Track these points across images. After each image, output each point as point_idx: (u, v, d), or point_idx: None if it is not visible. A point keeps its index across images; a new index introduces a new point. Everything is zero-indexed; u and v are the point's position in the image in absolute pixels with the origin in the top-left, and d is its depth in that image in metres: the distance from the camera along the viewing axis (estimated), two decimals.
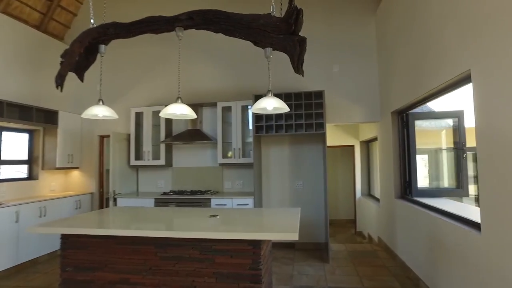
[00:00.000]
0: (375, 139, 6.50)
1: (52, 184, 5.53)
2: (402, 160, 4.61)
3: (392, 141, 4.69)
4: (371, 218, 6.26)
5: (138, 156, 5.44)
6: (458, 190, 4.44)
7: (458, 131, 4.42)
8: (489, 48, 2.23)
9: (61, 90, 3.10)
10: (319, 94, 4.67)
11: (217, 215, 3.03)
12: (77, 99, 6.00)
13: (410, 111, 4.44)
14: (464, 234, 2.67)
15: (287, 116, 4.78)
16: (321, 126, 4.67)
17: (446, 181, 4.95)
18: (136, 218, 3.21)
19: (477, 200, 3.08)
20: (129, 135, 5.52)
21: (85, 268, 2.82)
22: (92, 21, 3.23)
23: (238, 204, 4.74)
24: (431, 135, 5.08)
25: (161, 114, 3.06)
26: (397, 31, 4.33)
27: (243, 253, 2.56)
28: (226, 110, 5.30)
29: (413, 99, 3.75)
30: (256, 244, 2.54)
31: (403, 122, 4.60)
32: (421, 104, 3.76)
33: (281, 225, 2.70)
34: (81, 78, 3.37)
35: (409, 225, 4.04)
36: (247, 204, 4.72)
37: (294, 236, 2.23)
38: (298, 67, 3.27)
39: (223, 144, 5.16)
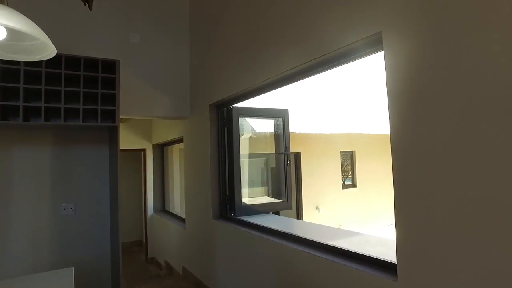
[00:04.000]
0: (174, 141, 5.24)
1: None
2: (222, 168, 3.54)
3: (209, 143, 3.55)
4: (170, 241, 4.91)
5: None
6: (283, 203, 3.77)
7: (283, 133, 3.78)
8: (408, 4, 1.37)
9: None
10: (111, 66, 2.94)
11: None
12: None
13: (234, 105, 3.45)
14: (359, 277, 1.74)
15: (49, 94, 2.76)
16: (111, 115, 2.95)
17: (270, 193, 4.29)
18: None
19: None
20: None
21: None
22: None
23: None
24: (259, 140, 4.33)
25: None
26: None
27: None
28: None
29: (259, 81, 2.67)
30: None
31: (224, 118, 3.55)
32: (272, 89, 2.73)
33: None
34: None
35: (241, 256, 2.96)
36: None
37: None
38: None
39: None
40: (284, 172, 3.77)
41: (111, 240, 3.36)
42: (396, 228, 1.55)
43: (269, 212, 3.60)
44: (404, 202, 1.51)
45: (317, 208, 8.06)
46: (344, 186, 8.89)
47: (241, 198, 3.46)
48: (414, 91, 1.45)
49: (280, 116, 3.76)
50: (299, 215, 7.81)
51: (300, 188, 7.85)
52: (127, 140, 5.93)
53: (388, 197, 8.43)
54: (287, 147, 3.76)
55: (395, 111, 1.55)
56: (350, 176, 9.28)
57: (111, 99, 2.92)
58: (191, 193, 4.07)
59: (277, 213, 3.92)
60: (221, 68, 3.31)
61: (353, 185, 9.11)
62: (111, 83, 2.91)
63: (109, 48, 3.46)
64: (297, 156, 7.91)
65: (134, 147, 6.06)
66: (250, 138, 4.56)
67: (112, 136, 3.09)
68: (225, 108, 3.53)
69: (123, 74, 3.34)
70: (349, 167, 9.33)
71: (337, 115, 7.94)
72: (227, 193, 3.50)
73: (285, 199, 3.76)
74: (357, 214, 8.92)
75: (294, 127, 6.88)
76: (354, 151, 9.19)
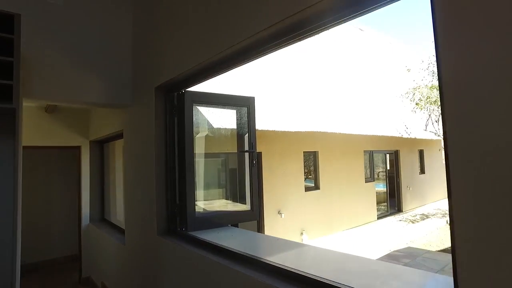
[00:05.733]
0: (116, 136, 4.35)
1: None
2: (171, 170, 2.76)
3: (154, 137, 2.76)
4: (109, 259, 4.01)
5: None
6: (247, 213, 3.07)
7: (248, 126, 3.08)
8: None
9: None
10: (6, 22, 2.06)
11: None
12: None
13: (188, 89, 2.70)
14: None
15: None
16: (7, 94, 2.06)
17: (228, 196, 3.58)
18: None
19: None
20: None
21: None
22: None
23: None
24: (216, 137, 3.59)
25: None
26: None
27: None
28: None
29: (223, 49, 1.92)
30: None
31: (173, 106, 2.79)
32: (240, 62, 1.99)
33: None
34: None
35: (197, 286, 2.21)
36: None
37: None
38: None
39: None
40: (249, 174, 3.07)
41: (11, 263, 2.43)
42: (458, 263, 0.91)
43: (228, 225, 2.89)
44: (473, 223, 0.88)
45: (279, 212, 7.46)
46: (307, 189, 8.39)
47: (195, 207, 2.71)
48: (483, 65, 0.83)
49: (244, 105, 3.06)
50: (260, 221, 7.16)
51: (261, 192, 7.20)
52: (58, 134, 4.91)
53: (350, 199, 8.06)
54: (253, 144, 3.07)
55: (453, 95, 0.92)
56: (311, 177, 8.81)
57: (7, 70, 2.03)
58: (131, 201, 3.24)
59: (235, 224, 3.23)
60: (172, 37, 2.55)
61: (316, 187, 8.65)
62: (7, 47, 2.03)
63: (12, 5, 2.53)
64: (258, 156, 7.26)
65: (67, 143, 5.04)
66: (206, 134, 3.85)
67: (10, 125, 2.19)
68: (176, 93, 2.77)
69: (37, 43, 2.45)
70: (312, 168, 8.87)
71: (302, 110, 7.42)
72: (177, 202, 2.74)
73: (250, 207, 3.06)
74: (320, 218, 8.47)
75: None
76: (317, 151, 8.74)
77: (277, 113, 6.82)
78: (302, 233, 7.86)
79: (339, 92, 9.13)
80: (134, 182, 3.14)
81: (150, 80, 2.81)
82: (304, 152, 8.38)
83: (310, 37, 1.61)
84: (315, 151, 8.73)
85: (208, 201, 3.50)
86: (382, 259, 5.81)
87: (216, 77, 2.39)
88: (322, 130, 7.39)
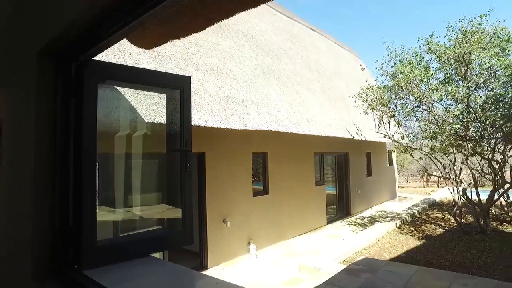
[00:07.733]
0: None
1: None
2: (62, 175, 1.85)
3: (34, 129, 1.84)
4: None
5: None
6: (179, 235, 2.25)
7: (181, 117, 2.26)
8: None
9: None
10: None
11: None
12: None
13: (95, 56, 1.82)
14: None
15: None
16: None
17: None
18: None
19: None
20: None
21: None
22: None
23: None
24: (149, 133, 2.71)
25: None
26: None
27: None
28: None
29: None
30: None
31: (70, 83, 1.89)
32: None
33: None
34: None
35: None
36: None
37: None
38: None
39: None
40: (181, 181, 2.26)
41: None
42: None
43: (149, 254, 2.04)
44: None
45: (224, 221, 6.65)
46: (256, 193, 7.69)
47: (95, 232, 1.83)
48: None
49: (176, 87, 2.24)
50: (202, 231, 6.29)
51: (204, 199, 6.34)
52: None
53: (301, 204, 7.48)
54: (187, 140, 2.26)
55: None
56: (259, 180, 8.15)
57: None
58: (6, 219, 2.24)
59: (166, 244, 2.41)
60: None
61: (265, 192, 7.98)
62: None
63: None
64: (201, 157, 6.39)
65: None
66: (136, 129, 2.98)
67: None
68: (74, 63, 1.87)
69: None
70: (261, 171, 8.20)
71: (251, 109, 6.70)
72: (70, 223, 1.84)
73: (181, 226, 2.25)
74: (269, 225, 7.83)
75: (197, 118, 5.37)
76: (267, 153, 8.08)
77: (223, 110, 6.03)
78: (249, 243, 7.14)
79: (290, 91, 8.59)
80: (8, 194, 2.16)
81: (31, 39, 1.88)
82: (252, 153, 7.68)
83: None
84: (264, 153, 8.07)
85: (127, 219, 2.63)
86: (341, 274, 5.28)
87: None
88: (273, 129, 6.74)
